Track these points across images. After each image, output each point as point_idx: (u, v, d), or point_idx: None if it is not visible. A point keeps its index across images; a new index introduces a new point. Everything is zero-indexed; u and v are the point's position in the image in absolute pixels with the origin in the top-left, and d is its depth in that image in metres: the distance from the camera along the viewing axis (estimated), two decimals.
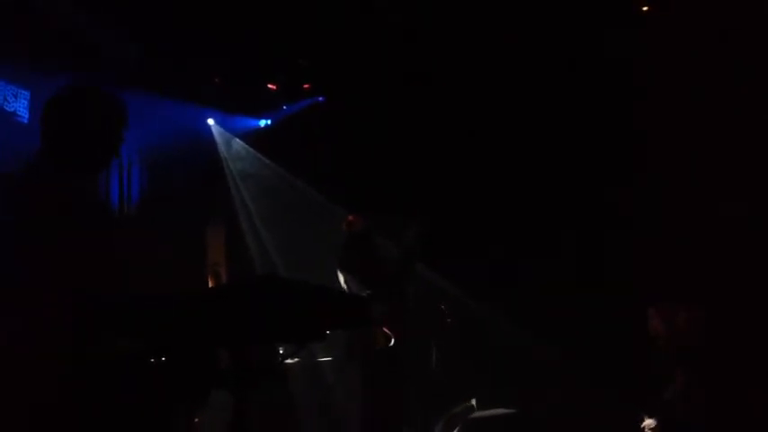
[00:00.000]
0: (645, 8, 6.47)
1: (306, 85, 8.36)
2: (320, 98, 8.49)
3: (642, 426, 4.70)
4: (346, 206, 6.13)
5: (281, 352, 4.61)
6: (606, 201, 6.44)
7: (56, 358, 2.13)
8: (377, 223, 5.62)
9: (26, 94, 5.98)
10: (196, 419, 2.45)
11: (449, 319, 5.82)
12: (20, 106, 5.92)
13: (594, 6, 6.31)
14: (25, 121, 5.91)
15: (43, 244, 2.18)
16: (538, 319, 6.28)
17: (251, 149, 8.55)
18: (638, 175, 6.28)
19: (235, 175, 8.49)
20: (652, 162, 6.15)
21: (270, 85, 8.24)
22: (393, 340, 5.20)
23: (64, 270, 2.17)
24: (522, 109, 6.87)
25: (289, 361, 6.07)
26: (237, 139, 8.58)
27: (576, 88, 6.62)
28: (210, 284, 7.73)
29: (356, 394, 5.34)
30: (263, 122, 8.91)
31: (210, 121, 8.46)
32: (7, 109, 5.86)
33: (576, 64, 6.62)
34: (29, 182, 2.32)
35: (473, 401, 5.46)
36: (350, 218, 5.66)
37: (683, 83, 5.97)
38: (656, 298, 5.44)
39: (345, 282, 5.37)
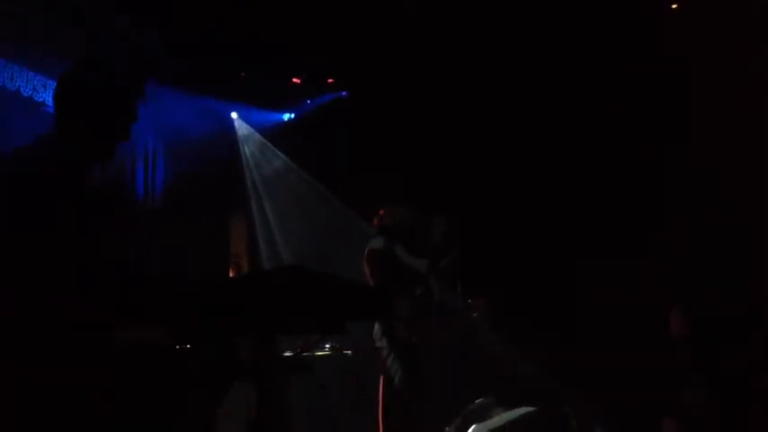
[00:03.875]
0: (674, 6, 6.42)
1: (330, 80, 8.38)
2: (343, 93, 8.50)
3: (662, 427, 4.68)
4: (369, 202, 6.11)
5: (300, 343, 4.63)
6: (625, 198, 6.40)
7: (77, 346, 2.09)
8: (405, 220, 5.60)
9: (54, 84, 6.02)
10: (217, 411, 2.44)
11: (475, 314, 5.80)
12: (48, 96, 5.96)
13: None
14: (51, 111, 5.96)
15: (40, 232, 2.11)
16: (556, 317, 6.26)
17: (270, 145, 8.59)
18: (660, 170, 6.24)
19: (253, 171, 8.54)
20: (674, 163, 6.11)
21: (294, 80, 8.26)
22: (416, 337, 5.20)
23: (61, 258, 2.11)
24: (551, 104, 6.83)
25: (316, 352, 6.10)
26: (258, 134, 8.62)
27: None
28: (231, 276, 7.79)
29: (378, 388, 5.34)
30: (286, 116, 8.94)
31: (234, 115, 8.50)
32: (36, 99, 5.91)
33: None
34: (39, 161, 2.25)
35: (490, 399, 5.43)
36: (381, 212, 5.65)
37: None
38: (677, 299, 5.41)
39: (371, 277, 5.38)
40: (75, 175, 2.29)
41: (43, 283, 2.07)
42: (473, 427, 4.75)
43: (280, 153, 8.56)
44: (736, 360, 4.84)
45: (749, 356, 4.86)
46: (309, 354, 5.92)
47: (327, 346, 6.19)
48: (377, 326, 5.24)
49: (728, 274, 5.60)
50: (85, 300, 2.09)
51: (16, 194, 2.15)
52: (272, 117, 8.89)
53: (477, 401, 5.12)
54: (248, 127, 8.58)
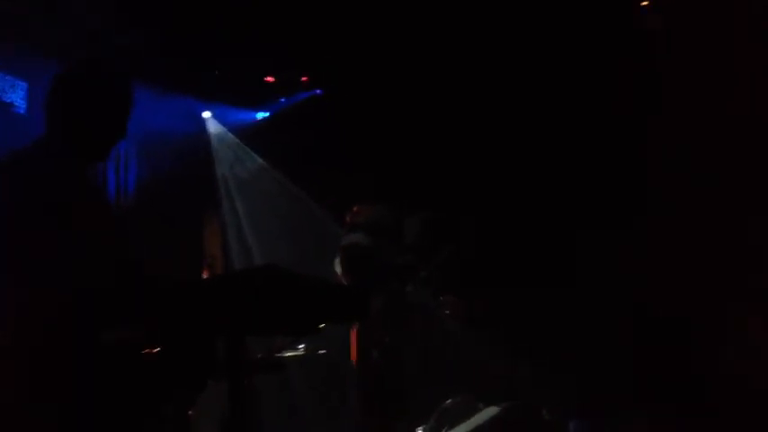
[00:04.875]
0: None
1: (304, 78, 8.36)
2: (318, 91, 8.49)
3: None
4: (343, 201, 6.11)
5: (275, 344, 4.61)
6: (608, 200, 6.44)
7: (55, 350, 2.11)
8: (379, 218, 5.59)
9: (23, 85, 5.96)
10: (190, 412, 2.44)
11: (447, 311, 5.81)
12: (17, 97, 5.90)
13: None
14: (22, 112, 5.90)
15: (41, 232, 2.15)
16: (532, 314, 6.29)
17: (243, 145, 8.56)
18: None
19: (226, 171, 8.50)
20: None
21: (268, 78, 8.23)
22: (390, 336, 5.20)
23: (62, 259, 2.15)
24: (527, 103, 6.85)
25: (290, 353, 6.08)
26: (231, 134, 8.58)
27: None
28: (206, 276, 7.75)
29: (353, 389, 5.34)
30: (260, 115, 8.90)
31: (206, 114, 8.45)
32: (5, 100, 5.84)
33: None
34: (32, 165, 2.28)
35: (464, 397, 5.45)
36: (355, 209, 5.63)
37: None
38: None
39: (344, 275, 5.36)
40: (74, 176, 2.31)
41: (46, 284, 2.10)
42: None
43: (253, 153, 8.53)
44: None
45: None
46: (284, 354, 5.90)
47: (302, 346, 6.17)
48: (347, 327, 5.23)
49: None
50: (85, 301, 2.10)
51: (16, 199, 2.17)
52: (246, 116, 8.85)
53: (450, 400, 5.13)
54: (221, 126, 8.54)
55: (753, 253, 5.45)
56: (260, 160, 8.51)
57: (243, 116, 8.77)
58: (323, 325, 2.40)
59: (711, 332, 5.07)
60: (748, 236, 5.55)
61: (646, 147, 6.06)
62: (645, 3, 6.34)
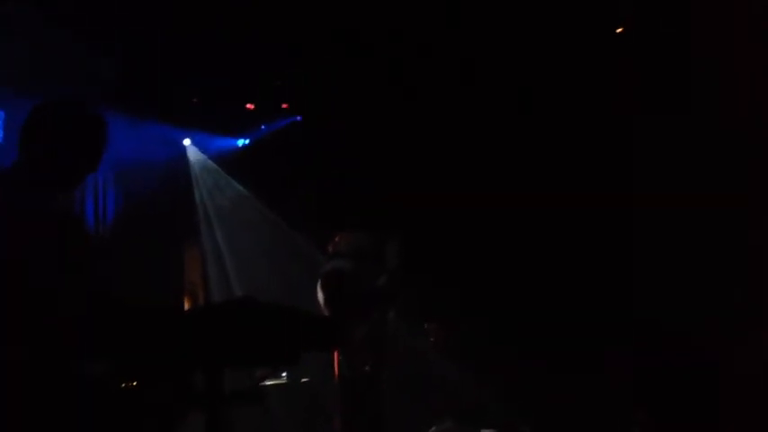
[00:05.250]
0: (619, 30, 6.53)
1: (284, 105, 8.38)
2: (298, 117, 8.52)
3: None
4: (324, 226, 6.11)
5: (256, 374, 4.58)
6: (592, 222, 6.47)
7: (19, 383, 2.09)
8: (358, 244, 5.60)
9: (0, 114, 5.94)
10: None
11: (432, 339, 5.82)
12: None
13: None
14: (0, 141, 5.87)
15: (11, 260, 2.14)
16: (513, 341, 6.29)
17: (223, 172, 8.56)
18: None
19: (205, 199, 8.49)
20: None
21: (248, 105, 8.25)
22: (371, 363, 5.19)
23: (32, 287, 2.14)
24: (507, 126, 6.90)
25: (269, 383, 6.04)
26: (210, 161, 8.57)
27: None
28: (187, 304, 7.71)
29: (335, 417, 5.31)
30: (240, 142, 8.91)
31: (186, 142, 8.44)
32: None
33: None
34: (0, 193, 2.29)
35: (447, 424, 5.43)
36: (336, 238, 5.65)
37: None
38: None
39: (325, 302, 5.35)
40: (41, 205, 2.33)
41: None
42: None
43: (233, 180, 8.53)
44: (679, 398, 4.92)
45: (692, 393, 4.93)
46: (266, 383, 5.86)
47: (284, 374, 6.14)
48: (326, 356, 5.22)
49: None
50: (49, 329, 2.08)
51: None
52: (227, 143, 8.86)
53: (435, 427, 5.12)
54: (201, 154, 8.53)
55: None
56: (240, 188, 8.50)
57: (223, 143, 8.78)
58: (299, 355, 2.40)
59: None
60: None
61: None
62: (619, 30, 6.43)
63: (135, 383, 2.26)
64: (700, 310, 5.33)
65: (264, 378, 5.10)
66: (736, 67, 5.63)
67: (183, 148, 8.44)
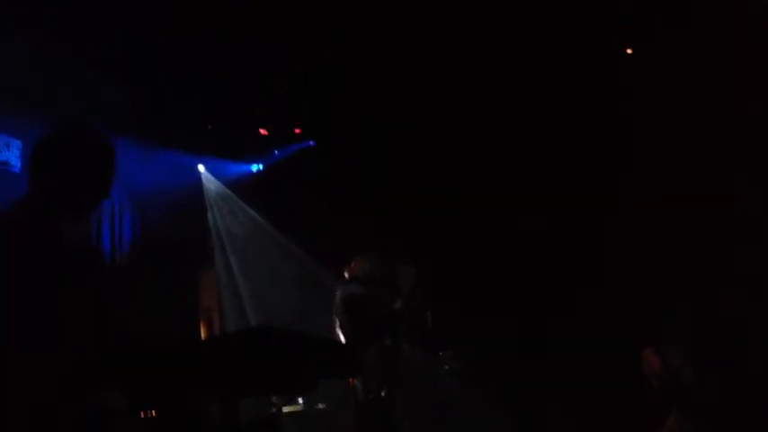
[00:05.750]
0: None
1: (297, 130, 8.42)
2: (311, 142, 8.55)
3: None
4: (341, 252, 6.12)
5: (273, 401, 4.57)
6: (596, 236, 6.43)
7: (31, 415, 2.07)
8: (372, 269, 5.61)
9: (18, 143, 5.98)
10: None
11: (447, 366, 5.79)
12: (11, 156, 5.91)
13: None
14: (17, 171, 5.91)
15: (27, 289, 2.13)
16: (527, 368, 6.25)
17: (236, 197, 8.58)
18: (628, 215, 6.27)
19: (219, 224, 8.51)
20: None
21: (261, 131, 8.29)
22: (386, 389, 5.16)
23: (47, 317, 2.13)
24: (516, 150, 6.90)
25: (288, 408, 6.01)
26: (224, 187, 8.61)
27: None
28: (203, 330, 7.70)
29: None
30: (254, 167, 8.95)
31: (201, 168, 8.49)
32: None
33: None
34: (15, 223, 2.28)
35: None
36: (352, 263, 5.67)
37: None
38: (648, 338, 5.41)
39: (341, 327, 5.35)
40: (53, 236, 2.30)
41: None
42: None
43: (246, 206, 8.55)
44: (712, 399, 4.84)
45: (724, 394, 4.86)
46: (282, 410, 5.84)
47: (300, 401, 6.11)
48: (342, 382, 5.20)
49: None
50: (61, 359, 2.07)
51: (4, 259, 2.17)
52: (241, 168, 8.90)
53: None
54: (215, 180, 8.57)
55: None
56: (253, 213, 8.52)
57: (237, 168, 8.81)
58: (317, 382, 2.38)
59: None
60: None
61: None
62: (629, 51, 6.42)
63: (153, 413, 2.25)
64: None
65: (281, 405, 5.07)
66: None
67: (198, 173, 8.48)
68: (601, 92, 6.42)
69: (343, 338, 5.31)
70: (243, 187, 8.69)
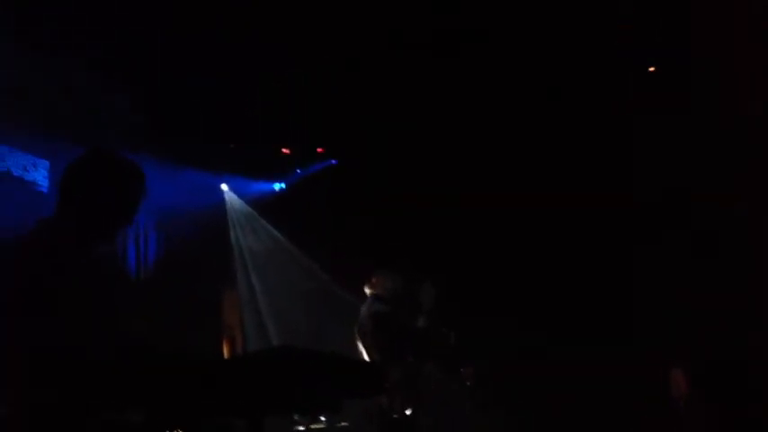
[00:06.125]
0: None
1: (319, 149, 8.48)
2: (333, 161, 8.60)
3: None
4: (362, 270, 6.12)
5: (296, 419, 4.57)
6: (621, 261, 6.40)
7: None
8: (394, 286, 5.61)
9: (45, 163, 6.06)
10: None
11: (469, 383, 5.76)
12: (39, 176, 6.00)
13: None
14: (45, 191, 5.99)
15: (52, 307, 2.14)
16: (558, 380, 6.21)
17: (258, 216, 8.64)
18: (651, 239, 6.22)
19: (242, 243, 8.56)
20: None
21: (284, 150, 8.36)
22: (411, 408, 5.15)
23: (71, 336, 2.14)
24: (540, 168, 6.91)
25: (312, 426, 6.01)
26: (247, 206, 8.67)
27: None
28: (226, 348, 7.73)
29: None
30: (277, 186, 9.01)
31: (224, 187, 8.56)
32: (27, 179, 5.94)
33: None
34: (41, 242, 2.30)
35: None
36: (373, 279, 5.65)
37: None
38: (677, 359, 5.36)
39: (363, 346, 5.35)
40: (78, 255, 2.33)
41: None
42: None
43: (269, 225, 8.60)
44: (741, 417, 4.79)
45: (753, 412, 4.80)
46: (306, 427, 5.84)
47: (323, 419, 6.10)
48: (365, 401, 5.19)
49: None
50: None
51: (21, 281, 2.18)
52: (263, 187, 8.96)
53: None
54: (238, 199, 8.64)
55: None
56: (275, 232, 8.57)
57: (260, 187, 8.88)
58: (342, 402, 2.38)
59: None
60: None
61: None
62: (652, 69, 6.41)
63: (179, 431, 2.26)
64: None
65: (304, 424, 5.07)
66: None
67: (221, 192, 8.55)
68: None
69: (366, 357, 5.31)
70: (264, 206, 8.74)
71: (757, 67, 5.44)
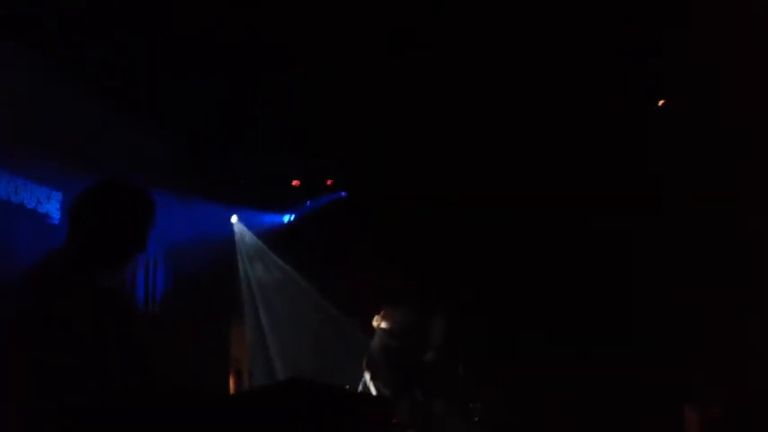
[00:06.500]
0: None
1: (329, 182, 8.52)
2: (342, 193, 8.64)
3: None
4: (371, 303, 6.12)
5: None
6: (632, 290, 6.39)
7: None
8: (403, 319, 5.60)
9: (58, 195, 6.06)
10: None
11: (476, 419, 5.71)
12: (52, 208, 6.01)
13: None
14: (56, 222, 6.00)
15: (60, 339, 2.14)
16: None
17: (266, 249, 8.65)
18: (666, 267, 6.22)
19: (250, 276, 8.57)
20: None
21: (294, 182, 8.41)
22: None
23: (78, 367, 2.13)
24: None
25: None
26: (256, 238, 8.69)
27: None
28: (232, 381, 7.70)
29: None
30: (286, 218, 9.04)
31: (234, 219, 8.60)
32: (40, 211, 5.93)
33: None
34: (49, 274, 2.29)
35: None
36: (382, 312, 5.64)
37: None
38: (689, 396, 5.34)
39: (372, 380, 5.32)
40: (86, 286, 2.31)
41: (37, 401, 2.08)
42: None
43: (277, 258, 8.61)
44: None
45: None
46: None
47: None
48: None
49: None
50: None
51: (32, 311, 2.19)
52: (273, 218, 8.99)
53: None
54: (247, 231, 8.67)
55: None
56: (283, 264, 8.58)
57: (269, 219, 8.91)
58: None
59: None
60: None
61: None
62: (661, 102, 6.44)
63: None
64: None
65: None
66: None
67: (231, 225, 8.59)
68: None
69: (374, 391, 5.28)
70: (274, 237, 8.76)
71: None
